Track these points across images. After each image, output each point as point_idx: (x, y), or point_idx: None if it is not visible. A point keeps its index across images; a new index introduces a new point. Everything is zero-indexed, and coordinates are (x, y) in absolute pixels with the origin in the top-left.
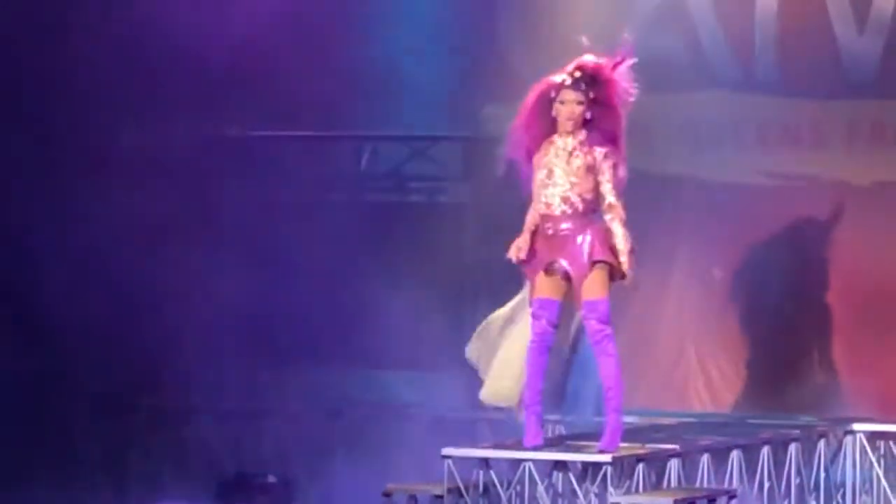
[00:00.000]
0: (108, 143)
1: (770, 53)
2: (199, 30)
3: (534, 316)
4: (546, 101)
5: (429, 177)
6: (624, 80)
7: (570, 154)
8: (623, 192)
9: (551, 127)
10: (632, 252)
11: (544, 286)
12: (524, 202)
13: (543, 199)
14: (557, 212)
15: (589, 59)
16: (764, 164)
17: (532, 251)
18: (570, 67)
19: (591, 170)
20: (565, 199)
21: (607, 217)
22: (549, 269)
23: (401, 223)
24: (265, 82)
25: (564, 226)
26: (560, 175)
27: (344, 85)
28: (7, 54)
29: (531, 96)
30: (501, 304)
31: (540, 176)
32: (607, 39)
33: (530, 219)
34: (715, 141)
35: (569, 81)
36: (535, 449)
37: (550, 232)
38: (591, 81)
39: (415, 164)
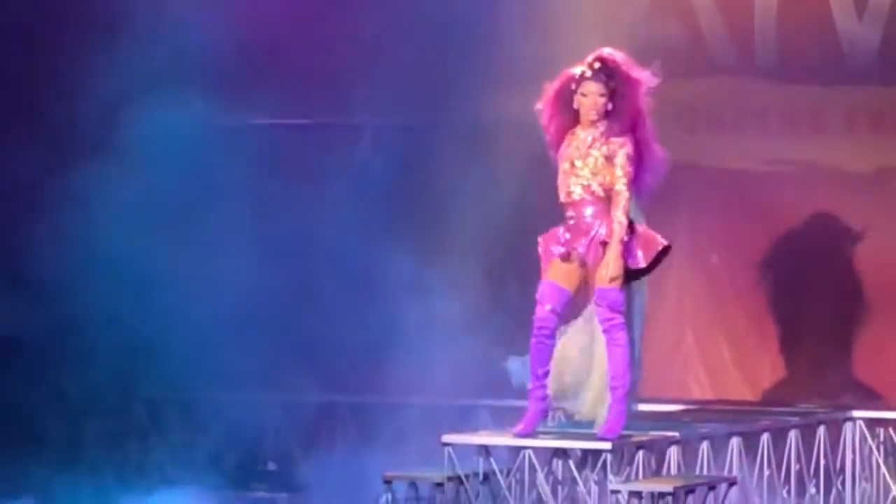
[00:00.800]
0: (108, 130)
1: (769, 39)
2: (202, 18)
3: (538, 300)
4: (567, 94)
5: (428, 163)
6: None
7: (589, 146)
8: (661, 177)
9: (574, 119)
10: (622, 242)
11: (556, 271)
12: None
13: (566, 189)
14: (577, 198)
15: (608, 50)
16: (763, 151)
17: (548, 241)
18: (590, 59)
19: (610, 160)
20: (586, 188)
21: (612, 203)
22: (566, 256)
23: (400, 210)
24: (266, 70)
25: (584, 212)
26: (581, 167)
27: (344, 72)
28: (10, 37)
29: (551, 90)
30: (502, 290)
31: (563, 168)
32: (607, 25)
33: None
34: (714, 127)
35: (589, 73)
36: (523, 436)
37: (571, 221)
38: (612, 73)
39: (414, 150)
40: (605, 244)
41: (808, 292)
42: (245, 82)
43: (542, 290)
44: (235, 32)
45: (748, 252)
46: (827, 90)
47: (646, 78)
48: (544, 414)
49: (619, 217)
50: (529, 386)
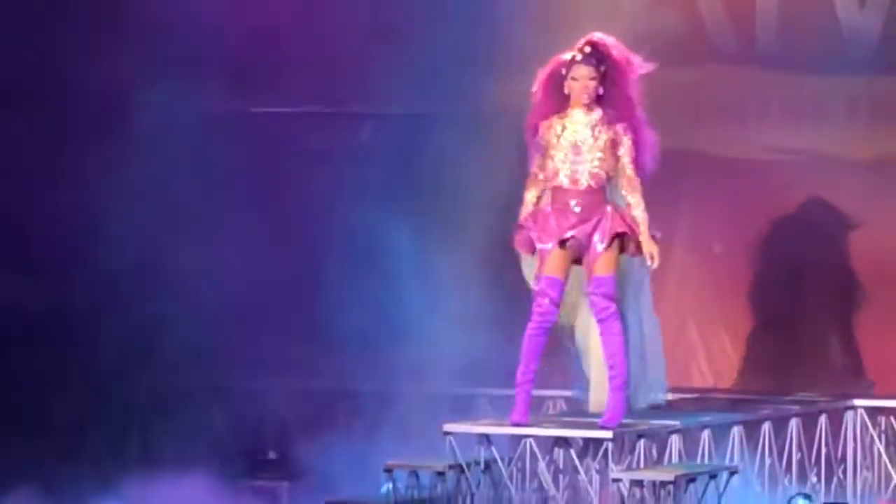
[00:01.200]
0: (115, 116)
1: (771, 28)
2: (209, 6)
3: (539, 294)
4: (558, 79)
5: (429, 152)
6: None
7: (593, 130)
8: (656, 162)
9: (562, 105)
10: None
11: (554, 263)
12: (523, 177)
13: (568, 174)
14: (583, 186)
15: (599, 35)
16: (764, 139)
17: (543, 227)
18: (581, 43)
19: (615, 145)
20: (594, 175)
21: (626, 190)
22: (563, 245)
23: (402, 199)
24: (270, 59)
25: (587, 200)
26: (587, 150)
27: (346, 61)
28: (17, 24)
29: (542, 76)
30: (501, 278)
31: (562, 153)
32: (608, 14)
33: (532, 196)
34: (715, 115)
35: (580, 57)
36: (520, 426)
37: (574, 208)
38: (603, 57)
39: (416, 139)
40: (616, 235)
41: (809, 281)
42: (249, 71)
43: (542, 285)
44: (242, 22)
45: (749, 241)
46: (828, 79)
47: (637, 63)
48: (530, 405)
49: (642, 205)
50: (518, 379)
